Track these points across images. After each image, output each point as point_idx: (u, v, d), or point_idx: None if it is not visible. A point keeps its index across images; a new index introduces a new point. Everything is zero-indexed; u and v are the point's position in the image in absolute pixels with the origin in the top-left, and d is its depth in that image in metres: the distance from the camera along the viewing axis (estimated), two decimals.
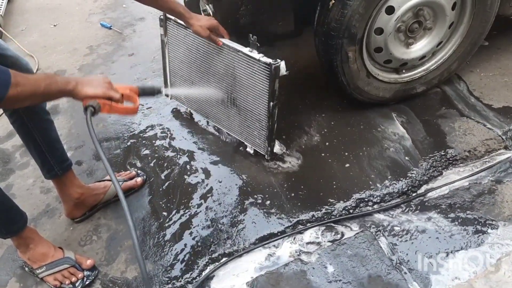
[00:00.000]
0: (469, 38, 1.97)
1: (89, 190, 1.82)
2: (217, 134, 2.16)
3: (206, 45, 1.89)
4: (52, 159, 1.67)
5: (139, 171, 1.99)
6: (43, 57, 3.09)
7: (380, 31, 1.81)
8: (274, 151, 1.94)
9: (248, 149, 2.02)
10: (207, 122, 2.21)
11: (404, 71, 2.03)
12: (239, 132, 2.02)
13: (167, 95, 2.26)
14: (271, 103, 1.76)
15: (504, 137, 1.87)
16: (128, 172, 1.98)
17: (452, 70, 2.09)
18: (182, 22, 1.86)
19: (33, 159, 1.73)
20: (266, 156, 1.94)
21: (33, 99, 1.15)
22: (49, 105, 2.55)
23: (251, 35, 1.72)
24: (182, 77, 2.13)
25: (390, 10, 1.75)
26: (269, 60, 1.67)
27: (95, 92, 1.24)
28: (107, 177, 1.94)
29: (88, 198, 1.80)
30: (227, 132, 2.11)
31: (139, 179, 1.93)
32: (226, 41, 1.80)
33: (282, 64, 1.67)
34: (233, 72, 1.85)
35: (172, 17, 1.94)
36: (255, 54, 1.71)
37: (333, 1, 1.71)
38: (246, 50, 1.74)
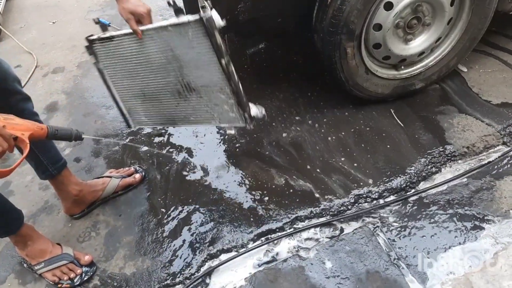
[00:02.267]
0: (468, 34, 1.97)
1: (87, 187, 1.82)
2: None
3: (137, 44, 1.57)
4: (45, 160, 1.67)
5: (137, 168, 1.99)
6: (42, 54, 3.09)
7: (378, 27, 1.81)
8: (252, 115, 1.63)
9: (228, 131, 1.75)
10: None
11: (403, 67, 2.03)
12: (211, 118, 1.74)
13: (129, 126, 1.88)
14: (223, 61, 1.50)
15: (502, 133, 1.87)
16: (127, 168, 1.98)
17: (451, 66, 2.08)
18: (105, 36, 1.58)
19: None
20: (246, 125, 1.65)
21: None
22: (47, 102, 2.56)
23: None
24: (132, 94, 1.79)
25: (389, 6, 1.75)
26: (197, 16, 1.44)
27: None
28: (106, 174, 1.94)
29: (86, 195, 1.80)
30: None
31: (137, 176, 1.93)
32: (147, 26, 1.51)
33: (214, 13, 1.44)
34: (173, 55, 1.58)
35: (95, 37, 1.60)
36: (183, 18, 1.46)
37: None
38: (172, 21, 1.47)
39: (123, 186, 1.89)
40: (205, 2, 2.04)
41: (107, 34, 1.58)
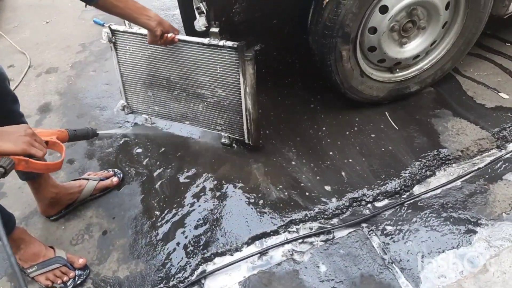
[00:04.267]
0: (462, 38, 1.97)
1: (64, 189, 1.81)
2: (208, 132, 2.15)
3: (160, 46, 1.86)
4: None
5: (116, 171, 1.98)
6: (36, 54, 3.07)
7: (373, 30, 1.81)
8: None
9: (223, 140, 2.04)
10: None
11: (398, 70, 2.03)
12: (215, 124, 2.02)
13: (126, 110, 2.21)
14: (248, 88, 1.76)
15: (496, 136, 1.88)
16: (105, 171, 1.97)
17: (445, 70, 2.09)
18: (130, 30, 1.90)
19: None
20: (250, 142, 1.95)
21: None
22: (40, 103, 2.54)
23: (212, 22, 1.75)
24: (138, 81, 2.09)
25: (384, 10, 1.75)
26: (231, 43, 1.70)
27: (13, 149, 1.08)
28: (84, 176, 1.93)
29: (63, 197, 1.80)
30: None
31: (115, 179, 1.93)
32: (182, 36, 1.80)
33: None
34: (196, 66, 1.86)
35: (120, 29, 1.94)
36: (217, 42, 1.74)
37: (327, 0, 1.70)
38: (205, 41, 1.76)
39: (100, 189, 1.89)
40: (200, 4, 2.04)
41: (132, 30, 1.90)
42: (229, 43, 1.72)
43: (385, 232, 1.61)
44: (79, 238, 1.76)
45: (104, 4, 1.52)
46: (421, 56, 2.00)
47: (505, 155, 1.81)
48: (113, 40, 1.99)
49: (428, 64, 2.04)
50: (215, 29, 1.77)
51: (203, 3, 2.00)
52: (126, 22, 1.88)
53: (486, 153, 1.85)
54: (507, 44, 2.39)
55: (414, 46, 1.93)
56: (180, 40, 1.80)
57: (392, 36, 1.87)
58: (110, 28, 1.95)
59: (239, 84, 1.79)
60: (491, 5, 1.88)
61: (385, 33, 1.82)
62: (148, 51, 1.94)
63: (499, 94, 2.05)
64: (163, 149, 2.10)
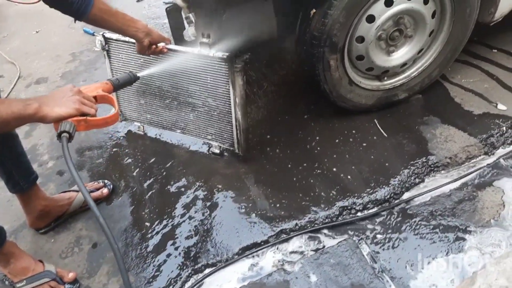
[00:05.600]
0: (449, 45, 1.99)
1: (53, 201, 1.81)
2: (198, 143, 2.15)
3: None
4: (17, 174, 1.65)
5: (107, 182, 1.97)
6: (25, 64, 3.06)
7: (361, 39, 1.82)
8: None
9: (214, 149, 2.05)
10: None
11: (386, 78, 2.05)
12: (205, 133, 2.03)
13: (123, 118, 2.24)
14: (237, 99, 1.77)
15: (484, 143, 1.89)
16: (95, 182, 1.96)
17: (433, 77, 2.11)
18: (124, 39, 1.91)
19: None
20: (239, 152, 1.96)
21: None
22: None
23: (202, 32, 1.78)
24: (134, 93, 2.11)
25: (371, 19, 1.76)
26: (221, 54, 1.72)
27: (68, 112, 1.08)
28: (73, 188, 1.92)
29: (52, 209, 1.80)
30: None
31: (105, 190, 1.92)
32: (173, 46, 1.82)
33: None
34: (186, 76, 1.88)
35: (114, 37, 1.96)
36: (207, 52, 1.75)
37: (314, 10, 1.72)
38: (196, 51, 1.79)
39: None
40: (189, 14, 2.04)
41: (125, 39, 1.89)
42: (219, 54, 1.73)
43: (375, 240, 1.61)
44: (69, 251, 1.74)
45: (93, 18, 1.52)
46: (408, 64, 2.02)
47: (493, 161, 1.83)
48: (107, 48, 2.01)
49: (416, 71, 2.06)
50: (205, 40, 1.78)
51: (192, 13, 2.01)
52: None
53: (474, 160, 1.86)
54: (493, 50, 2.41)
55: (401, 54, 1.95)
56: (171, 50, 1.81)
57: (380, 44, 1.88)
58: (103, 36, 1.97)
59: (229, 94, 1.79)
60: (477, 12, 1.90)
61: (372, 42, 1.83)
62: (141, 59, 1.95)
63: (498, 106, 2.06)
64: (153, 159, 2.10)
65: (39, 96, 1.10)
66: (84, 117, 1.12)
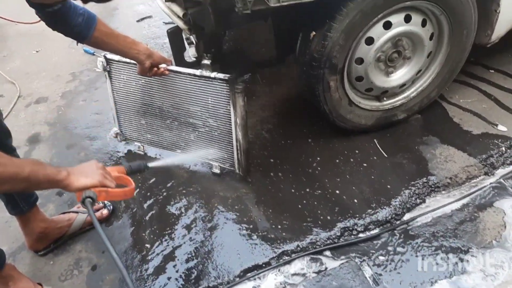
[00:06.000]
0: (447, 66, 2.02)
1: (52, 223, 1.79)
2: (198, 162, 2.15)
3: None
4: (18, 196, 1.64)
5: (106, 203, 1.96)
6: (25, 84, 3.06)
7: (360, 61, 1.85)
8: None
9: (214, 170, 2.04)
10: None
11: (385, 98, 2.07)
12: (206, 153, 2.02)
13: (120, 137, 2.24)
14: (238, 120, 1.78)
15: (484, 163, 1.90)
16: (96, 203, 1.94)
17: (431, 97, 2.13)
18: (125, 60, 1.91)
19: None
20: (240, 172, 1.96)
21: (13, 184, 1.05)
22: (29, 133, 2.53)
23: (204, 54, 1.82)
24: (132, 108, 2.12)
25: (370, 41, 1.79)
26: (222, 75, 1.74)
27: (92, 182, 1.18)
28: (73, 209, 1.91)
29: (52, 231, 1.78)
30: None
31: (105, 211, 1.91)
32: (174, 67, 1.84)
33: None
34: (188, 96, 1.90)
35: (115, 58, 1.97)
36: (209, 73, 1.77)
37: (314, 33, 1.74)
38: (197, 72, 1.80)
39: (90, 222, 1.85)
40: (190, 36, 2.07)
41: (127, 60, 1.89)
42: (220, 75, 1.74)
43: (377, 262, 1.60)
44: (68, 273, 1.72)
45: (95, 41, 1.54)
46: (407, 84, 2.04)
47: (493, 182, 1.83)
48: (108, 69, 2.02)
49: (415, 92, 2.08)
50: (206, 61, 1.80)
51: (193, 35, 2.04)
52: None
53: (475, 180, 1.87)
54: (490, 70, 2.44)
55: (400, 75, 1.97)
56: (172, 71, 1.83)
57: (379, 66, 1.91)
58: (105, 57, 1.99)
59: (230, 115, 1.80)
60: (473, 35, 1.94)
61: (371, 64, 1.85)
62: (142, 80, 1.96)
63: (498, 127, 2.07)
64: (153, 179, 2.09)
65: (66, 167, 1.20)
66: (105, 188, 1.22)
